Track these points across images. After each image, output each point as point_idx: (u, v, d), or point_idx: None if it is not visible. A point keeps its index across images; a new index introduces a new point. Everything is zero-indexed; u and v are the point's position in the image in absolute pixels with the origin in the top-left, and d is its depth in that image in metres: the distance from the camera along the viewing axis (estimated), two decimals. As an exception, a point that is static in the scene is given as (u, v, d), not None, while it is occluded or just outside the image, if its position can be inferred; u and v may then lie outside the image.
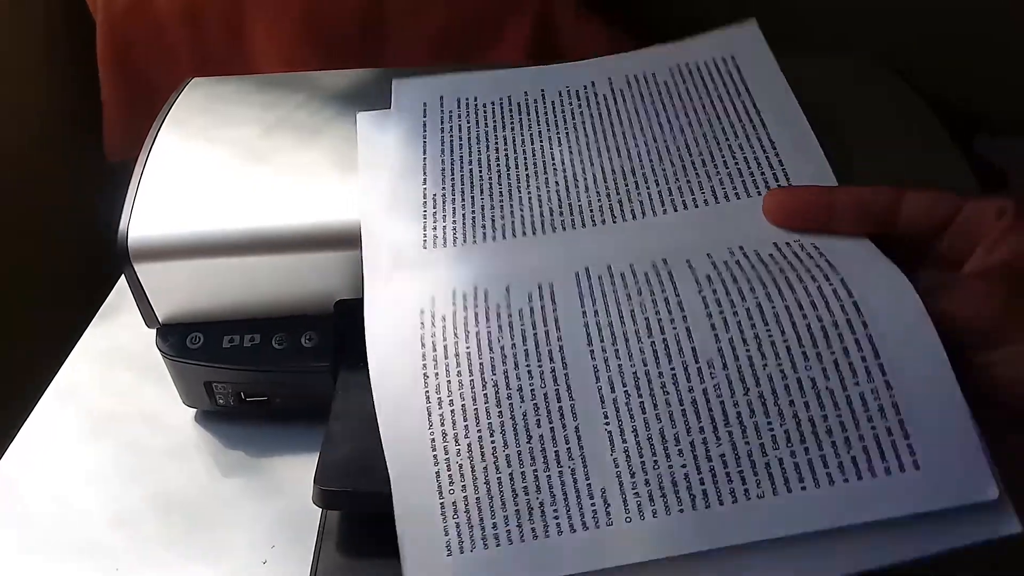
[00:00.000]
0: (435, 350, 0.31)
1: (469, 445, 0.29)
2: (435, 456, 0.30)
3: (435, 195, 0.38)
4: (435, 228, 0.36)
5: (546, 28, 0.67)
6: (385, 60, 0.71)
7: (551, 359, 0.30)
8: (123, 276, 0.40)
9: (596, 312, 0.31)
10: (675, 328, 0.30)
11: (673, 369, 0.29)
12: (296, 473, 0.39)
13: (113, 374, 0.46)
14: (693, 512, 0.27)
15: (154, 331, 0.40)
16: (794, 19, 0.67)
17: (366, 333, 0.33)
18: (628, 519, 0.28)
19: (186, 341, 0.39)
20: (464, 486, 0.29)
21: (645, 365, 0.29)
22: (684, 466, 0.28)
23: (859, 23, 0.69)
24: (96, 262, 0.52)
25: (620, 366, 0.30)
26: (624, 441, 0.29)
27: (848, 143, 0.41)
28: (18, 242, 0.66)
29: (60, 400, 0.44)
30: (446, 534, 0.28)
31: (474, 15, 0.67)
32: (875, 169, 0.40)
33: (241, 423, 0.42)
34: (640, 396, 0.29)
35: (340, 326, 0.39)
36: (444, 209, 0.37)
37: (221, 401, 0.41)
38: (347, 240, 0.38)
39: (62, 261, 0.71)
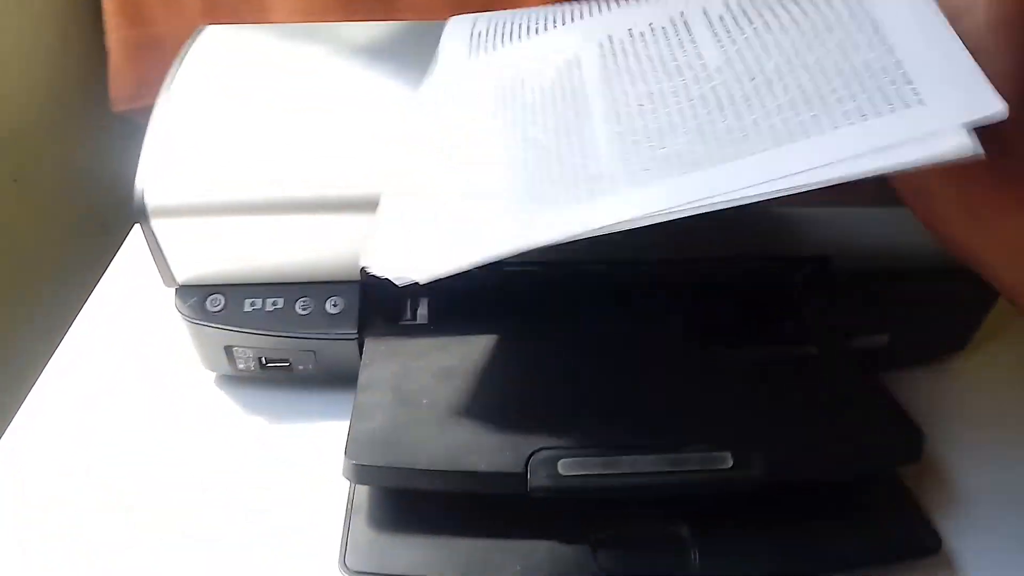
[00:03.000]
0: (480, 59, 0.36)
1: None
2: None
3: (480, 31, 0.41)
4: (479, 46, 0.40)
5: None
6: (401, 9, 0.68)
7: (571, 81, 0.34)
8: (135, 228, 0.38)
9: (615, 54, 0.35)
10: (686, 54, 0.33)
11: (684, 81, 0.32)
12: (321, 441, 0.38)
13: (128, 332, 0.44)
14: (698, 173, 0.28)
15: (172, 291, 0.38)
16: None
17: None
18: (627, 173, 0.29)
19: (206, 303, 0.38)
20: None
21: (659, 83, 0.32)
22: (690, 142, 0.29)
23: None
24: (108, 213, 0.50)
25: (633, 84, 0.32)
26: (634, 136, 0.31)
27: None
28: (23, 194, 0.64)
29: (71, 360, 0.43)
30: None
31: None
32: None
33: (262, 388, 0.40)
34: (653, 104, 0.31)
35: (367, 293, 0.38)
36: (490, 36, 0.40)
37: (242, 366, 0.39)
38: (376, 203, 0.36)
39: (69, 213, 0.69)
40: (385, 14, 0.66)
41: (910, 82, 0.28)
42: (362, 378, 0.35)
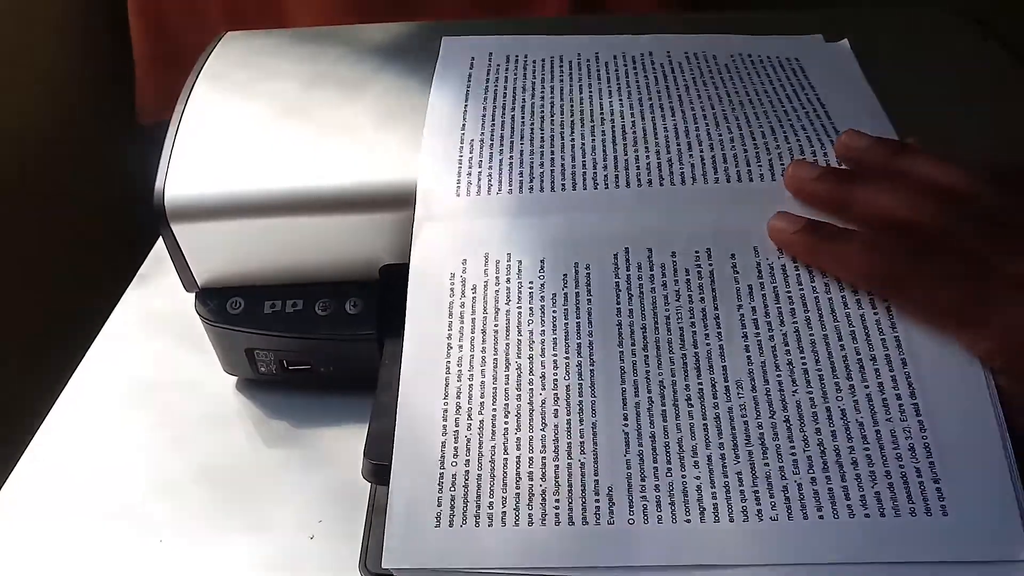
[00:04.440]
0: (462, 321, 0.31)
1: (481, 422, 0.29)
2: (444, 426, 0.29)
3: (472, 140, 0.36)
4: (469, 174, 0.35)
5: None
6: (420, 17, 0.68)
7: (579, 353, 0.30)
8: (159, 240, 0.39)
9: (631, 311, 0.30)
10: (708, 344, 0.29)
11: (700, 384, 0.29)
12: (342, 444, 0.37)
13: (151, 341, 0.44)
14: (700, 525, 0.26)
15: (193, 296, 0.38)
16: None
17: (408, 293, 0.32)
18: (631, 521, 0.26)
19: (226, 306, 0.37)
20: (468, 460, 0.28)
21: (673, 376, 0.29)
22: (698, 478, 0.27)
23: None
24: (130, 227, 0.50)
25: (648, 372, 0.29)
26: (640, 445, 0.28)
27: (928, 108, 0.38)
28: (51, 208, 0.65)
29: (98, 367, 0.43)
30: (439, 505, 0.27)
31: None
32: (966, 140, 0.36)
33: (284, 392, 0.40)
34: (663, 405, 0.28)
35: (386, 292, 0.37)
36: (481, 154, 0.35)
37: (263, 369, 0.39)
38: (393, 201, 0.35)
39: (96, 227, 0.70)
40: (403, 17, 0.66)
41: (937, 480, 0.26)
42: (381, 377, 0.34)
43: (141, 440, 0.39)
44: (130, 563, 0.34)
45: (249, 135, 0.38)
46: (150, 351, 0.44)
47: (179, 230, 0.36)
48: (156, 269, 0.49)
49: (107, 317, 0.46)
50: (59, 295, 0.65)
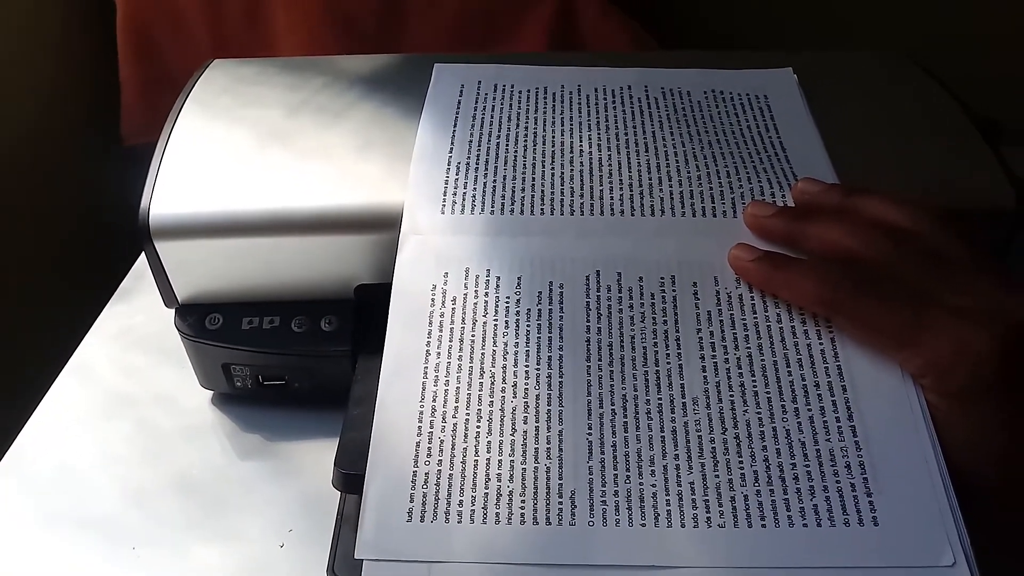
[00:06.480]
0: (441, 331, 0.33)
1: (455, 425, 0.30)
2: (419, 427, 0.31)
3: (458, 162, 0.38)
4: (455, 194, 0.37)
5: (568, 19, 0.66)
6: (403, 48, 0.70)
7: (549, 365, 0.32)
8: (140, 258, 0.40)
9: (599, 329, 0.33)
10: (668, 363, 0.31)
11: (660, 400, 0.31)
12: (313, 457, 0.39)
13: (129, 355, 0.45)
14: (654, 529, 0.28)
15: (172, 311, 0.40)
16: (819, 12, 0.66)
17: (391, 301, 0.34)
18: (591, 523, 0.28)
19: (205, 322, 0.39)
20: (440, 460, 0.30)
21: (635, 391, 0.31)
22: (654, 485, 0.29)
23: (871, 17, 0.67)
24: (112, 244, 0.51)
25: (612, 386, 0.31)
26: (602, 453, 0.30)
27: (876, 146, 0.41)
28: (34, 224, 0.66)
29: (75, 380, 0.44)
30: (411, 501, 0.29)
31: (494, 3, 0.67)
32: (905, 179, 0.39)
33: (258, 406, 0.41)
34: (625, 417, 0.30)
35: (360, 311, 0.39)
36: (466, 176, 0.38)
37: (239, 384, 0.40)
38: (370, 223, 0.37)
39: (78, 243, 0.71)
40: (388, 42, 0.68)
41: (869, 494, 0.28)
42: (353, 393, 0.36)
43: (117, 451, 0.40)
44: (103, 572, 0.35)
45: (233, 158, 0.39)
46: (128, 365, 0.45)
47: (162, 247, 0.37)
48: (137, 285, 0.50)
49: (87, 331, 0.47)
50: (38, 309, 0.65)
